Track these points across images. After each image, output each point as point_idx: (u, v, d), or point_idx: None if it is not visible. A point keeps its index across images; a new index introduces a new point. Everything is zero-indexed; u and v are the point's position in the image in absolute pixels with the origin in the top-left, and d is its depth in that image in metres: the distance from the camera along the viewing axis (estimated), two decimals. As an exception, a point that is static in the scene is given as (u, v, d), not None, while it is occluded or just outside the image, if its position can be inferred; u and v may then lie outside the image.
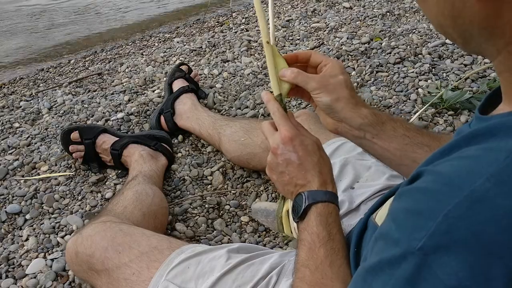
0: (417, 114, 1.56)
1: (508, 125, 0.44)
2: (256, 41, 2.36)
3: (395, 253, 0.43)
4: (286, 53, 2.15)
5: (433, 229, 0.41)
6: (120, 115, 1.76)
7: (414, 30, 2.20)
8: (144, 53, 2.56)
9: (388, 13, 2.52)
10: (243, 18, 2.88)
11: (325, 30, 2.41)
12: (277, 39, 2.36)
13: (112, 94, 1.99)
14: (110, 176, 1.50)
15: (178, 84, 1.74)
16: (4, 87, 2.36)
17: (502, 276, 0.38)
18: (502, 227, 0.39)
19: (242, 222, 1.30)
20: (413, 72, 1.84)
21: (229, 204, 1.35)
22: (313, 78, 0.78)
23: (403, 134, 0.79)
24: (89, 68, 2.47)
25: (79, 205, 1.39)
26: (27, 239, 1.29)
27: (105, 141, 1.49)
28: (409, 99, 1.69)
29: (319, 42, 2.26)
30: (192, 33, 2.81)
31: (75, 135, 1.50)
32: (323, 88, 0.78)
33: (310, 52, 0.84)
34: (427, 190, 0.45)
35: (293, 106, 1.75)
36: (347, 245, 0.70)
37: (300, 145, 0.74)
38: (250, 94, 1.83)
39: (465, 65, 1.86)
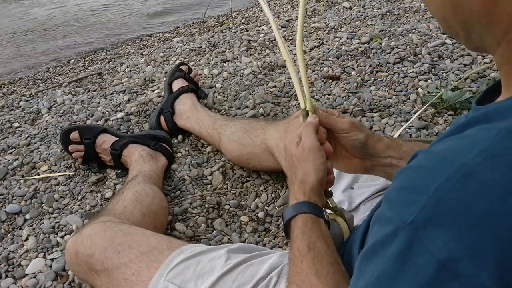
0: (417, 114, 1.56)
1: (503, 108, 0.45)
2: (256, 41, 2.36)
3: (387, 231, 0.44)
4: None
5: (424, 203, 0.41)
6: (120, 115, 1.76)
7: (414, 30, 2.20)
8: (144, 53, 2.57)
9: (388, 13, 2.52)
10: (243, 18, 2.88)
11: (325, 30, 2.42)
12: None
13: (112, 94, 1.99)
14: (110, 176, 1.50)
15: (178, 84, 1.74)
16: (4, 87, 2.36)
17: (494, 247, 0.38)
18: (492, 198, 0.39)
19: (242, 222, 1.30)
20: (412, 72, 1.84)
21: (229, 204, 1.35)
22: (342, 120, 0.83)
23: None
24: (89, 68, 2.47)
25: (79, 205, 1.39)
26: (27, 239, 1.29)
27: (105, 141, 1.49)
28: (409, 99, 1.69)
29: (319, 42, 2.26)
30: (192, 33, 2.81)
31: (74, 135, 1.50)
32: (355, 127, 0.83)
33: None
34: (419, 167, 0.45)
35: (293, 106, 1.75)
36: (334, 250, 0.69)
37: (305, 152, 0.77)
38: (250, 94, 1.83)
39: (465, 65, 1.86)
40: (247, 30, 2.60)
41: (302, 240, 0.68)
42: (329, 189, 0.82)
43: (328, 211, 0.78)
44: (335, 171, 1.01)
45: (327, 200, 0.82)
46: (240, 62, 2.16)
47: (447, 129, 0.51)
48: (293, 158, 0.78)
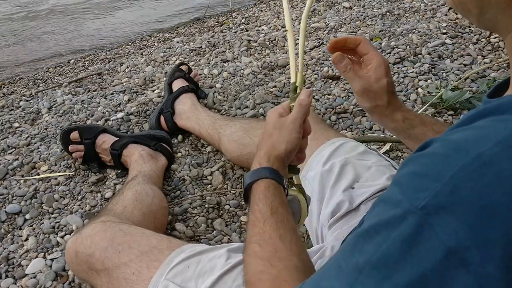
0: (417, 114, 1.56)
1: None
2: (256, 41, 2.36)
3: (395, 214, 0.43)
4: (286, 53, 2.16)
5: (438, 189, 0.41)
6: (120, 115, 1.76)
7: (414, 30, 2.20)
8: (144, 53, 2.57)
9: (387, 13, 2.52)
10: (243, 18, 2.88)
11: (325, 30, 2.41)
12: (277, 39, 2.36)
13: (112, 94, 1.99)
14: (110, 176, 1.50)
15: (178, 84, 1.74)
16: (4, 87, 2.36)
17: (502, 238, 0.38)
18: (506, 189, 0.39)
19: (242, 222, 1.30)
20: (412, 72, 1.84)
21: (229, 204, 1.35)
22: (358, 81, 0.82)
23: None
24: (89, 68, 2.47)
25: (79, 205, 1.38)
26: (26, 239, 1.29)
27: (105, 141, 1.49)
28: (409, 99, 1.69)
29: (319, 42, 2.26)
30: (191, 33, 2.81)
31: (74, 135, 1.50)
32: (365, 94, 0.83)
33: (360, 39, 0.85)
34: (434, 154, 0.45)
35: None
36: (293, 220, 0.69)
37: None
38: (250, 94, 1.83)
39: (465, 65, 1.86)
40: (247, 30, 2.60)
41: (265, 203, 0.69)
42: (298, 166, 0.83)
43: (292, 189, 0.81)
44: (336, 170, 1.02)
45: (293, 176, 0.83)
46: (240, 62, 2.16)
47: (458, 121, 0.50)
48: (270, 125, 0.79)
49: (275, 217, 0.67)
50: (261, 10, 2.98)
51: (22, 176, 1.53)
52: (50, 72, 2.51)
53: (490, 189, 0.39)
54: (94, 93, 2.05)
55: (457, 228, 0.39)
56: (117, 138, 1.50)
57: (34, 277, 1.17)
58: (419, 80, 1.78)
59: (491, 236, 0.39)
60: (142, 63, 2.33)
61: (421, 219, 0.41)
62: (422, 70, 1.83)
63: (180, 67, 1.82)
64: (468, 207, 0.40)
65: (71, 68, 2.52)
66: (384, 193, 0.48)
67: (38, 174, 1.53)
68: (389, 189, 0.47)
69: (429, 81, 1.77)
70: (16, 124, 1.84)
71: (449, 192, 0.41)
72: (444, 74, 1.81)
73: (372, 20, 2.46)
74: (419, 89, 1.73)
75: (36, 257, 1.23)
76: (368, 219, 0.48)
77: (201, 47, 2.40)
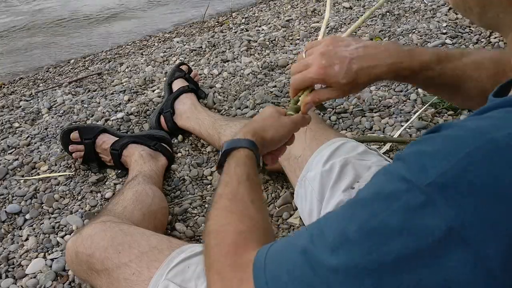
0: (417, 114, 1.56)
1: None
2: (256, 41, 2.36)
3: (398, 187, 0.43)
4: (286, 53, 2.16)
5: (446, 168, 0.41)
6: (120, 115, 1.76)
7: (414, 30, 2.20)
8: (144, 53, 2.56)
9: (388, 13, 2.52)
10: (243, 18, 2.88)
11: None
12: (277, 39, 2.36)
13: (112, 94, 1.99)
14: (110, 176, 1.50)
15: (178, 84, 1.74)
16: (4, 87, 2.36)
17: (508, 221, 0.38)
18: None
19: (242, 222, 1.30)
20: (413, 72, 1.84)
21: (229, 204, 1.35)
22: (334, 96, 0.88)
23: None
24: (89, 68, 2.47)
25: (79, 205, 1.39)
26: (27, 239, 1.29)
27: (105, 141, 1.49)
28: (409, 99, 1.69)
29: (319, 42, 2.26)
30: (192, 33, 2.81)
31: (74, 135, 1.50)
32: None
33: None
34: (447, 135, 0.44)
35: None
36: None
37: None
38: (250, 94, 1.83)
39: (465, 65, 1.86)
40: (247, 30, 2.60)
41: (243, 169, 0.70)
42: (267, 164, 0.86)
43: None
44: (336, 170, 1.02)
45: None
46: (240, 62, 2.16)
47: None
48: (266, 113, 0.84)
49: (250, 183, 0.68)
50: (261, 10, 2.98)
51: (22, 176, 1.53)
52: (50, 72, 2.51)
53: (501, 173, 0.39)
54: (94, 93, 2.05)
55: (462, 208, 0.39)
56: (117, 138, 1.50)
57: (34, 277, 1.17)
58: (419, 80, 1.78)
59: (497, 218, 0.38)
60: (142, 63, 2.33)
61: (425, 196, 0.41)
62: (422, 70, 1.83)
63: (180, 67, 1.82)
64: (477, 188, 0.39)
65: (71, 68, 2.52)
66: (386, 168, 0.47)
67: (38, 174, 1.53)
68: (392, 165, 0.47)
69: (429, 81, 1.77)
70: (16, 124, 1.84)
71: (459, 172, 0.40)
72: (444, 74, 1.81)
73: (372, 20, 2.46)
74: (419, 89, 1.73)
75: (36, 257, 1.23)
76: (364, 189, 0.47)
77: (201, 47, 2.40)
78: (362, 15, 2.52)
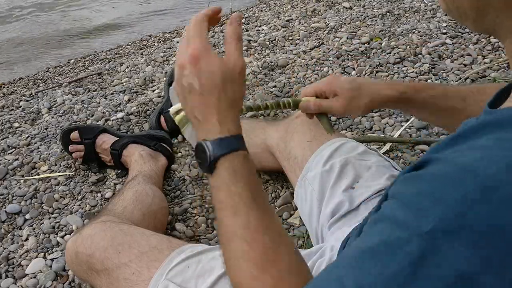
0: (417, 114, 1.56)
1: None
2: (256, 41, 2.36)
3: (400, 236, 0.42)
4: (286, 53, 2.16)
5: (445, 213, 0.40)
6: (120, 115, 1.76)
7: (414, 30, 2.20)
8: (144, 53, 2.56)
9: (388, 13, 2.52)
10: (243, 18, 2.88)
11: (325, 30, 2.41)
12: (277, 39, 2.36)
13: (112, 94, 1.99)
14: (110, 176, 1.50)
15: (178, 84, 1.73)
16: (4, 87, 2.36)
17: None
18: None
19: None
20: (413, 72, 1.84)
21: (229, 204, 1.35)
22: (336, 108, 0.93)
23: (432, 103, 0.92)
24: (89, 68, 2.47)
25: (79, 205, 1.39)
26: (27, 239, 1.29)
27: (105, 141, 1.49)
28: (409, 99, 1.69)
29: (319, 42, 2.26)
30: (192, 33, 2.81)
31: (74, 135, 1.50)
32: (347, 112, 0.94)
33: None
34: (439, 175, 0.44)
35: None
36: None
37: (205, 70, 0.63)
38: (250, 94, 1.83)
39: (465, 65, 1.86)
40: (247, 30, 2.60)
41: (244, 186, 0.60)
42: None
43: None
44: (336, 170, 1.02)
45: None
46: (240, 62, 2.16)
47: (457, 130, 0.49)
48: (218, 77, 0.64)
49: (257, 203, 0.59)
50: (261, 10, 2.98)
51: (22, 176, 1.53)
52: (50, 72, 2.51)
53: (499, 213, 0.39)
54: (94, 93, 2.05)
55: (467, 252, 0.39)
56: (117, 138, 1.50)
57: (34, 277, 1.17)
58: (419, 80, 1.78)
59: (503, 258, 0.38)
60: (142, 63, 2.33)
61: (427, 244, 0.40)
62: (422, 70, 1.83)
63: (180, 67, 1.82)
64: (477, 231, 0.39)
65: (71, 68, 2.52)
66: (385, 210, 0.46)
67: (38, 174, 1.53)
68: (390, 206, 0.46)
69: (429, 81, 1.77)
70: (16, 124, 1.84)
71: (457, 216, 0.40)
72: (444, 74, 1.81)
73: (372, 20, 2.46)
74: (419, 89, 1.73)
75: (36, 257, 1.23)
76: (368, 235, 0.46)
77: (201, 47, 2.39)
78: (362, 15, 2.52)
